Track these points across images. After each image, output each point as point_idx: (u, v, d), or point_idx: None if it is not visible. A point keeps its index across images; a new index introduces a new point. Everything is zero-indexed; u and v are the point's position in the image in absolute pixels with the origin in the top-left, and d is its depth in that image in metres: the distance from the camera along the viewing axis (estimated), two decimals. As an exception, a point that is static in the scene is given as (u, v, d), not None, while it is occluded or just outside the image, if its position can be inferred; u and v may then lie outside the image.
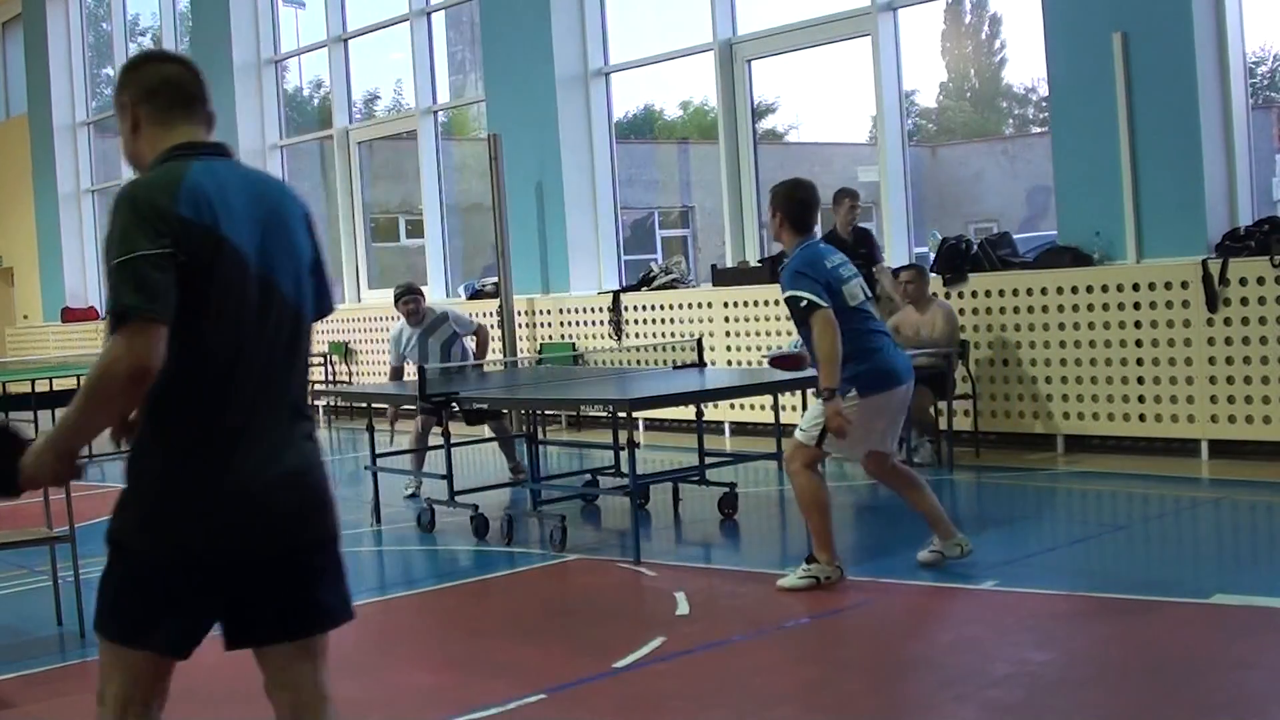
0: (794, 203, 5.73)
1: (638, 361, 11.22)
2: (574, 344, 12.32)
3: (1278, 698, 4.28)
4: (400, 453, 8.93)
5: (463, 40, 16.08)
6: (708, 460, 7.88)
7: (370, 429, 8.38)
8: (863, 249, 9.38)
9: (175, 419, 2.63)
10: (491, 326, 13.03)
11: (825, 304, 5.44)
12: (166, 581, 2.66)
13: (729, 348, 11.09)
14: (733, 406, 10.71)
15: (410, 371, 9.29)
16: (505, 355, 12.33)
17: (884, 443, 5.80)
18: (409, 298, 9.33)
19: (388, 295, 15.31)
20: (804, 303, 5.46)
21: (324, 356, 15.15)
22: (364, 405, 11.17)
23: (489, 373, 9.94)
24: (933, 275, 9.55)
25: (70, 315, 20.10)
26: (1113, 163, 8.80)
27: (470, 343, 9.49)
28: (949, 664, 4.68)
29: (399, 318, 9.46)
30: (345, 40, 15.77)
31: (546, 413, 11.91)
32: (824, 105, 14.94)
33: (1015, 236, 10.01)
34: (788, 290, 5.57)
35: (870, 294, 5.85)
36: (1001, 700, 4.25)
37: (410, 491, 8.80)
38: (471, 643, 5.46)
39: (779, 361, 6.92)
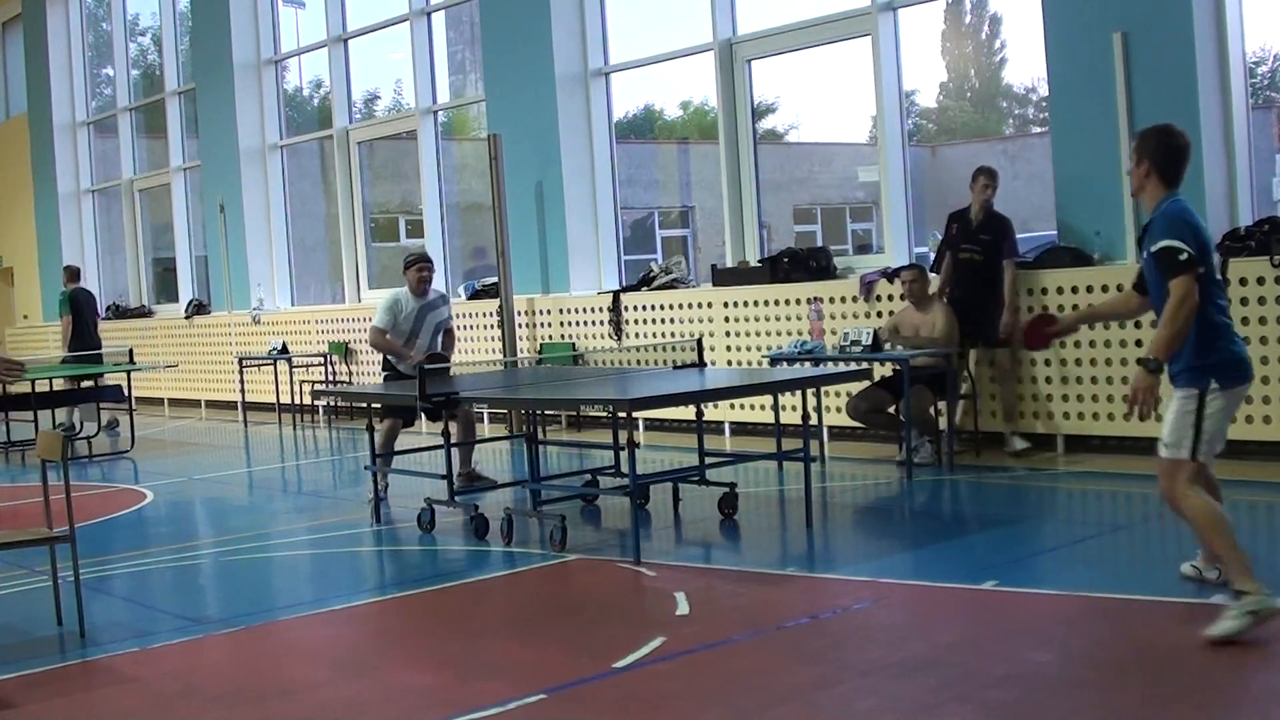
0: (1166, 150, 4.99)
1: (638, 361, 11.22)
2: (574, 344, 12.32)
3: (1278, 698, 4.28)
4: (400, 453, 8.92)
5: (463, 40, 16.08)
6: (708, 460, 7.88)
7: (370, 429, 8.37)
8: (985, 235, 9.12)
9: None
10: (490, 327, 13.06)
11: (1201, 268, 4.78)
12: None
13: (729, 348, 11.09)
14: (733, 406, 10.72)
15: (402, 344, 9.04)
16: (505, 355, 12.33)
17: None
18: (425, 264, 9.16)
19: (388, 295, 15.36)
20: (1184, 255, 4.76)
21: (324, 357, 15.16)
22: (364, 405, 11.18)
23: (493, 372, 9.92)
24: (933, 275, 9.55)
25: (70, 315, 20.09)
26: (1113, 163, 8.79)
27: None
28: (949, 664, 4.68)
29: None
30: (345, 40, 15.77)
31: (546, 413, 11.91)
32: (824, 105, 14.92)
33: (1015, 236, 9.99)
34: (1165, 240, 4.82)
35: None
36: (1001, 700, 4.25)
37: (378, 495, 8.38)
38: (471, 643, 5.46)
39: (1034, 336, 5.68)
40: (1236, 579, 4.74)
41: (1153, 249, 4.87)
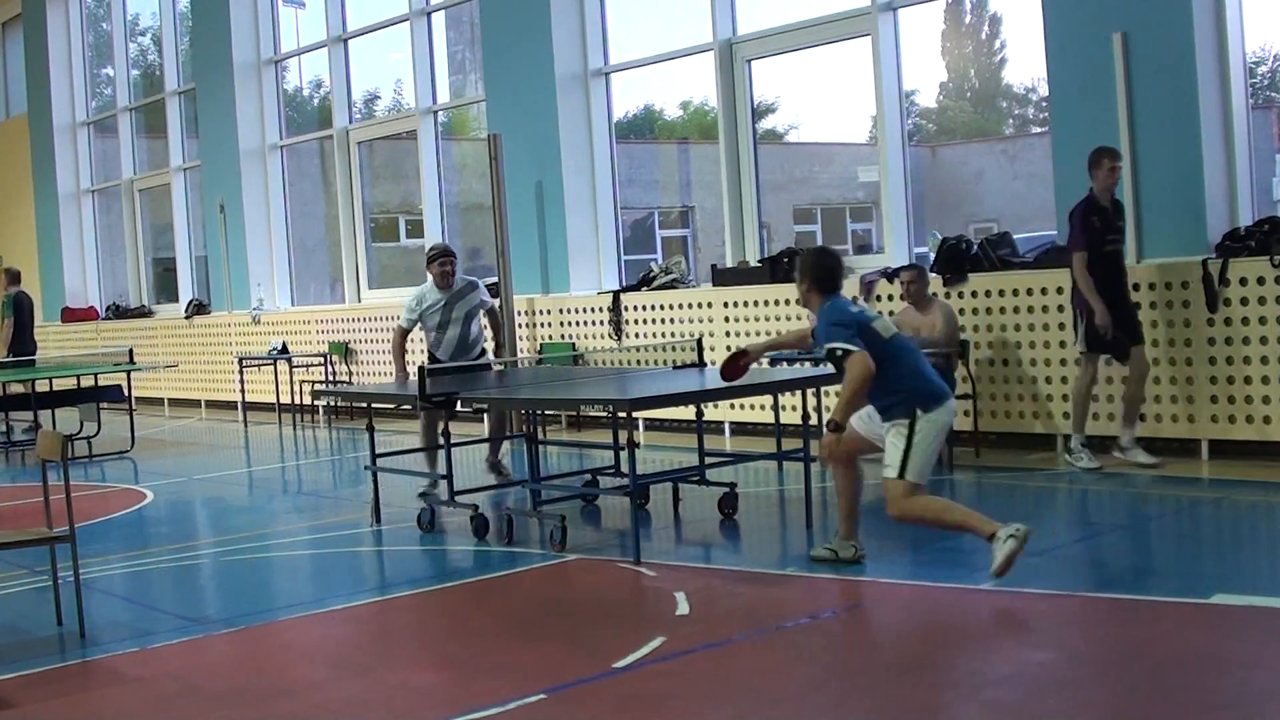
0: (821, 269, 6.15)
1: (638, 361, 11.22)
2: (574, 344, 12.32)
3: (1278, 697, 4.28)
4: (400, 453, 8.91)
5: (463, 40, 16.08)
6: (708, 460, 7.87)
7: (370, 429, 8.37)
8: (1120, 221, 8.40)
9: None
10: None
11: (858, 348, 5.82)
12: None
13: (729, 348, 11.05)
14: (733, 406, 10.71)
15: (419, 337, 9.12)
16: (505, 355, 12.32)
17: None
18: (447, 259, 9.16)
19: (388, 295, 15.39)
20: (840, 352, 5.85)
21: (324, 356, 15.16)
22: (364, 405, 11.18)
23: (491, 372, 9.91)
24: (933, 275, 9.55)
25: (70, 315, 20.11)
26: (1113, 163, 8.79)
27: (483, 320, 9.46)
28: (949, 664, 4.68)
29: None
30: (345, 40, 15.77)
31: (546, 413, 11.91)
32: (824, 105, 14.93)
33: (1015, 236, 10.00)
34: (826, 343, 5.96)
35: None
36: (1001, 700, 4.25)
37: (425, 489, 8.56)
38: (471, 643, 5.46)
39: (730, 372, 6.71)
40: (982, 529, 5.69)
41: (824, 350, 6.01)
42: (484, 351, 9.46)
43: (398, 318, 9.36)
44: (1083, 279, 8.31)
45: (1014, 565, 5.49)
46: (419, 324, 9.24)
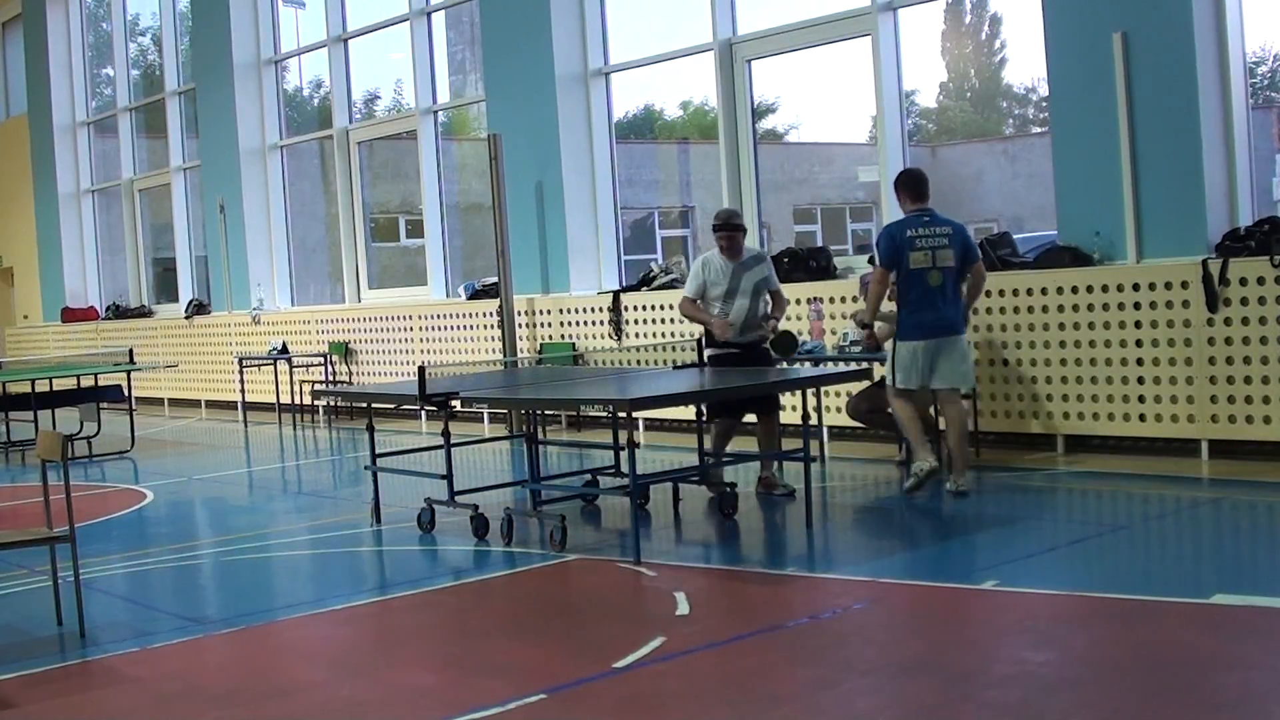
0: (898, 182, 8.09)
1: (638, 361, 11.22)
2: (574, 344, 12.32)
3: (1278, 698, 4.28)
4: (400, 453, 8.89)
5: (463, 40, 16.07)
6: (708, 460, 7.87)
7: (370, 429, 8.36)
8: None
9: None
10: (490, 327, 13.06)
11: (878, 265, 7.88)
12: None
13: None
14: (733, 406, 10.70)
15: (718, 309, 8.20)
16: (505, 355, 12.33)
17: (909, 380, 7.84)
18: (722, 233, 8.25)
19: (388, 295, 15.40)
20: (870, 257, 7.65)
21: (324, 356, 15.16)
22: (364, 405, 11.16)
23: (493, 372, 9.90)
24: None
25: (70, 315, 20.11)
26: (1113, 163, 8.80)
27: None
28: (949, 664, 4.68)
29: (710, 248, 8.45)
30: (345, 40, 15.77)
31: (546, 413, 11.91)
32: (824, 105, 14.91)
33: (1015, 236, 10.00)
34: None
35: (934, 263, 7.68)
36: (1001, 700, 4.25)
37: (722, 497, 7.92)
38: (471, 643, 5.46)
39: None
40: (916, 451, 7.89)
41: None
42: (763, 338, 8.45)
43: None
44: None
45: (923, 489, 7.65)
46: (709, 291, 8.29)
